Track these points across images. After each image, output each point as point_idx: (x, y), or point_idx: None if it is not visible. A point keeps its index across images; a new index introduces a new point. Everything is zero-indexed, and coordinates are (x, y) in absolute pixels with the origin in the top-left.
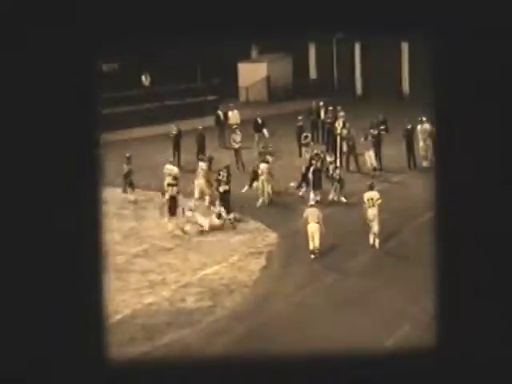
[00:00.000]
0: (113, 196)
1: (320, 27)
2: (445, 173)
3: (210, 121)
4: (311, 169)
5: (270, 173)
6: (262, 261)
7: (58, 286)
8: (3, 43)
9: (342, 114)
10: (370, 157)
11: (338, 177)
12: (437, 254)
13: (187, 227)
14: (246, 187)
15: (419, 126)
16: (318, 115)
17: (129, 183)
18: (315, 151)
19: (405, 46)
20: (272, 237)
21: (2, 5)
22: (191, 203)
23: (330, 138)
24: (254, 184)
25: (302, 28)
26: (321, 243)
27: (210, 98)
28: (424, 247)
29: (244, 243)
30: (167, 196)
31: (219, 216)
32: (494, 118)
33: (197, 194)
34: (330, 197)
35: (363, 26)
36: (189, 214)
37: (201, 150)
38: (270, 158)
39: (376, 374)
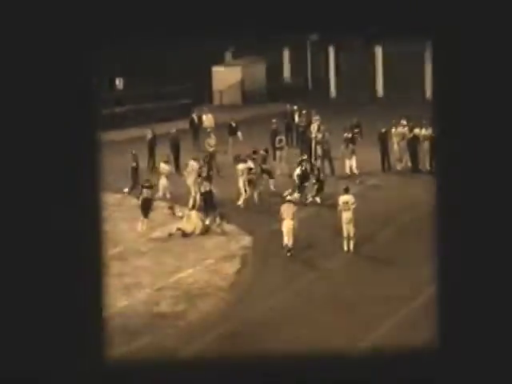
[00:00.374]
0: None
1: (321, 28)
2: (445, 176)
3: (183, 124)
4: (297, 171)
5: (254, 172)
6: (237, 264)
7: (58, 286)
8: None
9: (316, 117)
10: (351, 166)
11: (316, 178)
12: (437, 254)
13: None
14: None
15: (393, 129)
16: (293, 118)
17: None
18: (304, 157)
19: (378, 49)
20: (246, 240)
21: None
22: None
23: (304, 142)
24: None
25: (304, 28)
26: (295, 239)
27: (184, 101)
28: (399, 249)
29: (219, 246)
30: (141, 198)
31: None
32: (496, 119)
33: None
34: (308, 197)
35: (363, 27)
36: (179, 214)
37: (175, 153)
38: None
39: (376, 374)
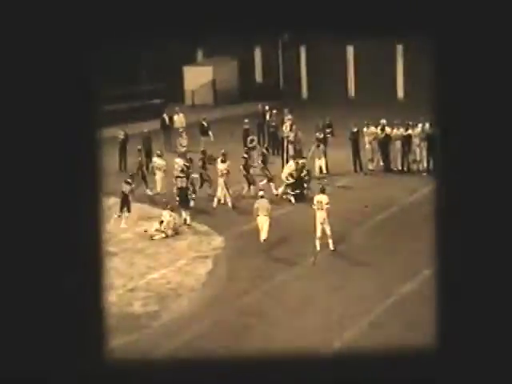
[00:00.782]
0: None
1: (316, 28)
2: (445, 176)
3: (155, 124)
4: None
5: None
6: (209, 264)
7: (57, 286)
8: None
9: (288, 116)
10: (320, 166)
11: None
12: (437, 254)
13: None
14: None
15: (365, 129)
16: (264, 118)
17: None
18: (301, 161)
19: (350, 49)
20: (218, 240)
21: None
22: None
23: (275, 141)
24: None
25: (301, 28)
26: (269, 235)
27: (156, 101)
28: (372, 248)
29: (190, 247)
30: (122, 193)
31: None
32: (497, 119)
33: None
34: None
35: (363, 26)
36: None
37: (147, 153)
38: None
39: (376, 374)
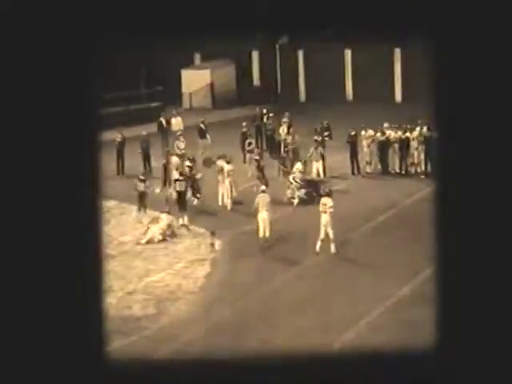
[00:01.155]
0: None
1: (315, 28)
2: (444, 179)
3: (153, 127)
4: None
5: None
6: (207, 267)
7: (57, 287)
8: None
9: (285, 119)
10: (318, 168)
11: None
12: (436, 254)
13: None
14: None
15: (363, 132)
16: (262, 122)
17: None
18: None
19: (348, 52)
20: (216, 243)
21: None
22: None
23: (272, 145)
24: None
25: (300, 27)
26: (271, 232)
27: (154, 104)
28: (371, 251)
29: (188, 250)
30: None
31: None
32: (496, 122)
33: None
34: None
35: (363, 26)
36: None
37: (146, 156)
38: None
39: (375, 374)
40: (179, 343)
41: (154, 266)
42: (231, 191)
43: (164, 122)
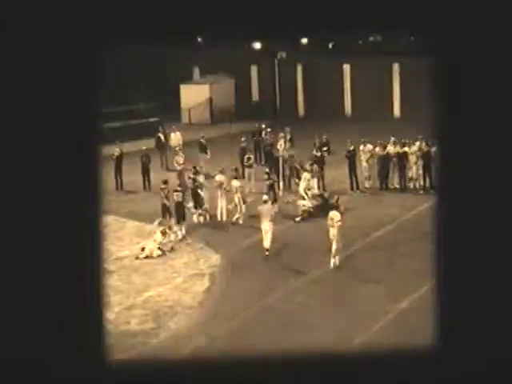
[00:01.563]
0: None
1: (315, 25)
2: (448, 193)
3: (152, 143)
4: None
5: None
6: (206, 282)
7: (57, 287)
8: None
9: (281, 134)
10: (312, 185)
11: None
12: (436, 255)
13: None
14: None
15: (362, 147)
16: (261, 137)
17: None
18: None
19: (347, 67)
20: (215, 258)
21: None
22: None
23: (271, 160)
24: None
25: (299, 26)
26: (273, 241)
27: (152, 119)
28: (370, 266)
29: (187, 264)
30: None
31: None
32: (500, 132)
33: None
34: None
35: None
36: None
37: (145, 171)
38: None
39: (375, 374)
40: (178, 359)
41: (152, 280)
42: (241, 207)
43: (162, 137)
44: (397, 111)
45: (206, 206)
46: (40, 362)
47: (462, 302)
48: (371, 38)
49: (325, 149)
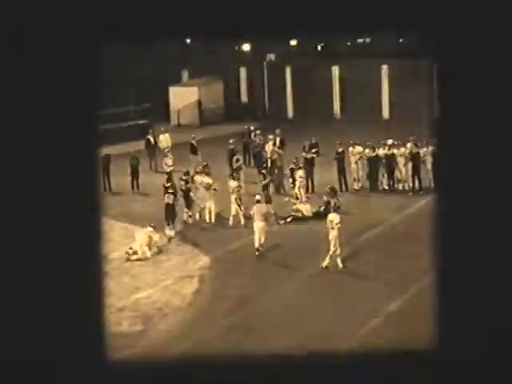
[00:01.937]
0: None
1: (315, 25)
2: (446, 195)
3: (141, 145)
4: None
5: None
6: (195, 284)
7: (57, 288)
8: None
9: (271, 136)
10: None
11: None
12: (436, 255)
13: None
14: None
15: (351, 149)
16: (250, 139)
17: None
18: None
19: (335, 69)
20: (204, 260)
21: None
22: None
23: (260, 162)
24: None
25: (299, 27)
26: (266, 241)
27: (142, 121)
28: (359, 267)
29: (176, 267)
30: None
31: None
32: (499, 134)
33: None
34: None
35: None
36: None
37: (135, 173)
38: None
39: (374, 374)
40: (167, 360)
41: (141, 282)
42: (239, 206)
43: (152, 139)
44: (385, 113)
45: (201, 205)
46: (40, 362)
47: (461, 302)
48: (360, 40)
49: (314, 151)
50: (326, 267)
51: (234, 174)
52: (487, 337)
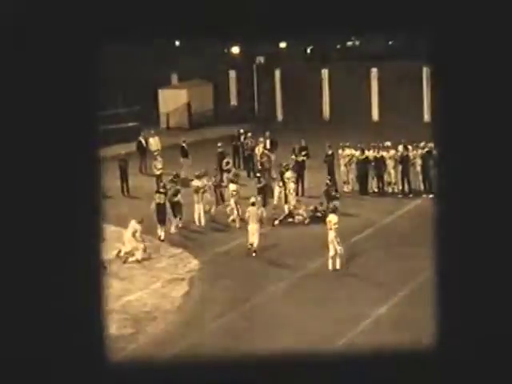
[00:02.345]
0: None
1: (313, 24)
2: (445, 195)
3: (130, 147)
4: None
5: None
6: (184, 287)
7: (57, 288)
8: None
9: (261, 139)
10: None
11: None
12: (436, 255)
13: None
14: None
15: (340, 151)
16: (240, 141)
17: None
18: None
19: (325, 72)
20: (193, 263)
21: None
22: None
23: (250, 164)
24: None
25: (299, 28)
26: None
27: (131, 124)
28: (348, 270)
29: (166, 270)
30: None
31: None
32: (499, 137)
33: None
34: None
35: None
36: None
37: (123, 175)
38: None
39: (374, 374)
40: (156, 363)
41: (131, 285)
42: (237, 210)
43: (143, 141)
44: (375, 115)
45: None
46: (40, 362)
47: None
48: (349, 43)
49: (303, 153)
50: (341, 268)
51: (234, 178)
52: (487, 337)
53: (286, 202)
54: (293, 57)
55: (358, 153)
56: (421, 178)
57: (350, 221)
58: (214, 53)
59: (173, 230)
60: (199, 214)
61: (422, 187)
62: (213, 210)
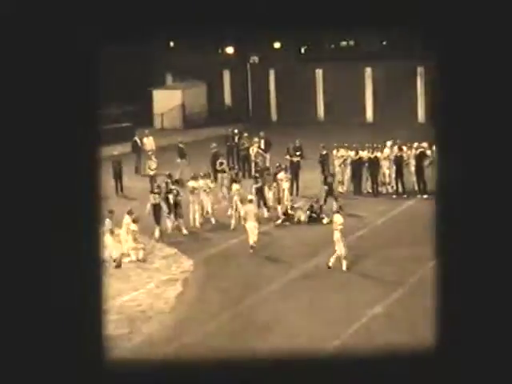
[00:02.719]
0: None
1: (316, 22)
2: (447, 199)
3: (124, 148)
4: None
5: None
6: (179, 287)
7: (57, 288)
8: None
9: (256, 139)
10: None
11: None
12: (436, 255)
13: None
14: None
15: (334, 152)
16: (234, 142)
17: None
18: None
19: (319, 72)
20: (187, 264)
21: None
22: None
23: (245, 165)
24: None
25: (299, 24)
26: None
27: (125, 124)
28: (341, 272)
29: (160, 270)
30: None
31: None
32: (499, 138)
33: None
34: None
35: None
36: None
37: (117, 176)
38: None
39: (374, 374)
40: (151, 363)
41: (125, 285)
42: (236, 210)
43: (138, 141)
44: (369, 116)
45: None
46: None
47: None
48: (343, 43)
49: (298, 153)
50: (347, 269)
51: (237, 178)
52: (487, 337)
53: (279, 202)
54: (287, 57)
55: (352, 153)
56: (415, 178)
57: (348, 221)
58: (208, 53)
59: (169, 230)
60: (194, 214)
61: (416, 188)
62: (210, 211)
